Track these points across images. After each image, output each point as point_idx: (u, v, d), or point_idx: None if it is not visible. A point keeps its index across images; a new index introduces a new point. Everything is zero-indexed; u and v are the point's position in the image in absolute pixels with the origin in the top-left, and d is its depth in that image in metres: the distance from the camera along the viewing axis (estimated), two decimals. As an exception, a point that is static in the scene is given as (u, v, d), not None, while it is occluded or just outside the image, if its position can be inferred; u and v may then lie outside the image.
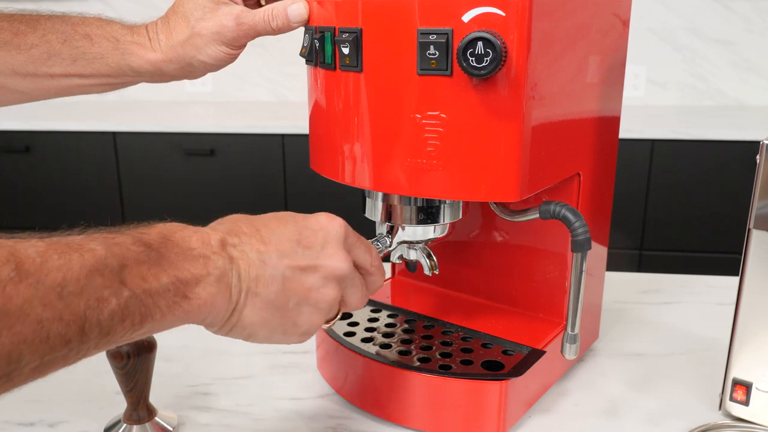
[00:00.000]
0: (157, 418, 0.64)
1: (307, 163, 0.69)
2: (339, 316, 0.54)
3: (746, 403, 0.64)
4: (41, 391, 0.70)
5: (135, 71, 0.67)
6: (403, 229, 0.65)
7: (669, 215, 2.19)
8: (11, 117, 2.43)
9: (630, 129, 2.08)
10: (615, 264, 2.02)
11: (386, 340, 0.70)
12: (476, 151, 0.54)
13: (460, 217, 0.66)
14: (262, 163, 2.34)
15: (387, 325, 0.74)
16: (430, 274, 0.69)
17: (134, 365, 0.59)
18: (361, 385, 0.67)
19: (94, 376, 0.73)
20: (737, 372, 0.64)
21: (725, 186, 2.12)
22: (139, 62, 0.66)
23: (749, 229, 0.61)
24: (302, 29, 0.64)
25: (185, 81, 2.99)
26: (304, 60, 0.64)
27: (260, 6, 0.67)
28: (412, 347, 0.69)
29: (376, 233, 0.67)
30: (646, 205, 2.19)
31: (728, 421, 0.65)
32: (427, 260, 0.68)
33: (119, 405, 0.65)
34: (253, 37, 0.65)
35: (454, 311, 0.76)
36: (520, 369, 0.64)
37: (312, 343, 0.80)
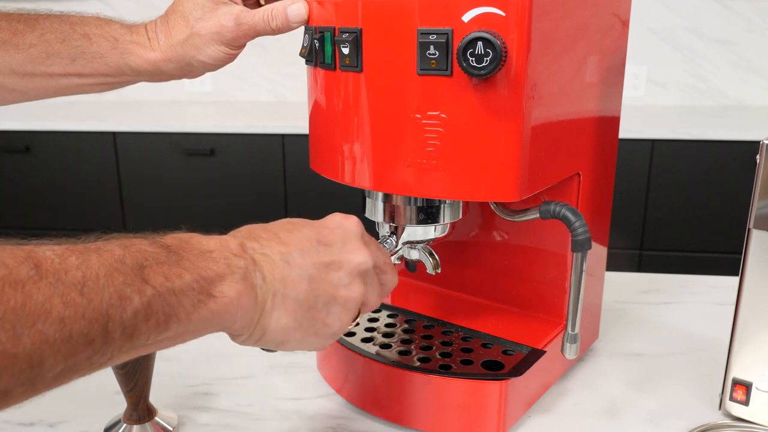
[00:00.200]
0: (157, 418, 0.64)
1: (307, 163, 0.69)
2: (360, 316, 0.53)
3: (746, 403, 0.64)
4: (41, 391, 0.70)
5: (134, 71, 0.67)
6: (403, 229, 0.65)
7: (669, 215, 2.19)
8: (11, 117, 2.43)
9: (630, 129, 2.08)
10: (615, 264, 2.02)
11: (386, 340, 0.70)
12: (476, 151, 0.54)
13: (460, 217, 0.66)
14: (262, 163, 2.34)
15: (387, 325, 0.74)
16: (433, 273, 0.69)
17: (134, 365, 0.59)
18: (361, 385, 0.67)
19: (94, 376, 0.73)
20: (737, 372, 0.64)
21: (725, 186, 2.12)
22: (138, 62, 0.66)
23: (749, 229, 0.61)
24: (302, 29, 0.64)
25: (185, 81, 2.99)
26: (303, 60, 0.64)
27: (260, 6, 0.67)
28: (412, 347, 0.69)
29: (379, 234, 0.67)
30: (646, 205, 2.19)
31: (728, 421, 0.65)
32: (430, 259, 0.68)
33: (119, 405, 0.65)
34: (253, 38, 0.65)
35: (454, 311, 0.76)
36: (520, 369, 0.64)
37: (312, 343, 0.80)
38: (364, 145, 0.58)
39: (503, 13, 0.50)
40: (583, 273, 0.59)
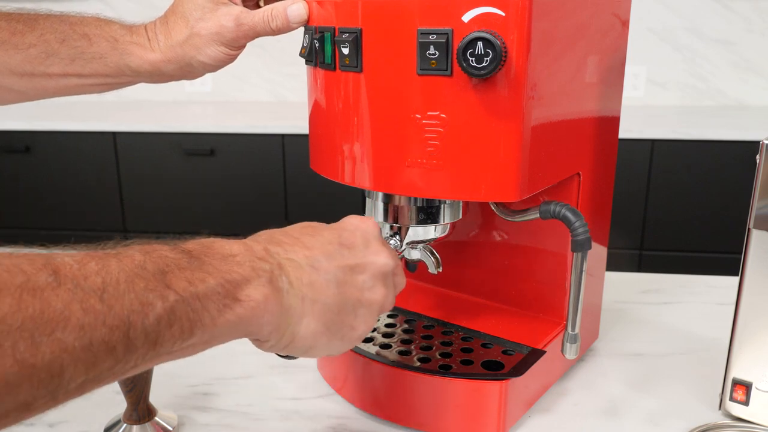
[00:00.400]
0: (157, 418, 0.64)
1: (307, 163, 0.69)
2: (378, 318, 0.53)
3: (746, 403, 0.64)
4: (41, 391, 0.70)
5: (134, 71, 0.67)
6: (407, 229, 0.65)
7: (669, 215, 2.19)
8: (11, 117, 2.43)
9: (630, 129, 2.08)
10: (615, 264, 2.02)
11: (386, 340, 0.70)
12: (476, 151, 0.54)
13: (460, 217, 0.66)
14: (262, 163, 2.34)
15: (387, 325, 0.74)
16: (435, 272, 0.69)
17: (134, 365, 0.59)
18: (361, 385, 0.67)
19: (94, 376, 0.73)
20: (737, 372, 0.64)
21: (725, 186, 2.12)
22: (137, 62, 0.66)
23: (749, 229, 0.61)
24: (302, 29, 0.64)
25: (185, 81, 3.00)
26: (303, 60, 0.64)
27: (259, 7, 0.67)
28: (412, 347, 0.69)
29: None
30: (646, 205, 2.19)
31: (728, 421, 0.65)
32: (431, 258, 0.68)
33: (119, 405, 0.65)
34: (253, 38, 0.65)
35: (454, 311, 0.76)
36: (520, 369, 0.64)
37: (312, 343, 0.80)
38: (364, 145, 0.58)
39: (503, 13, 0.50)
40: (583, 273, 0.59)
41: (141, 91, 2.85)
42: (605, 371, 0.76)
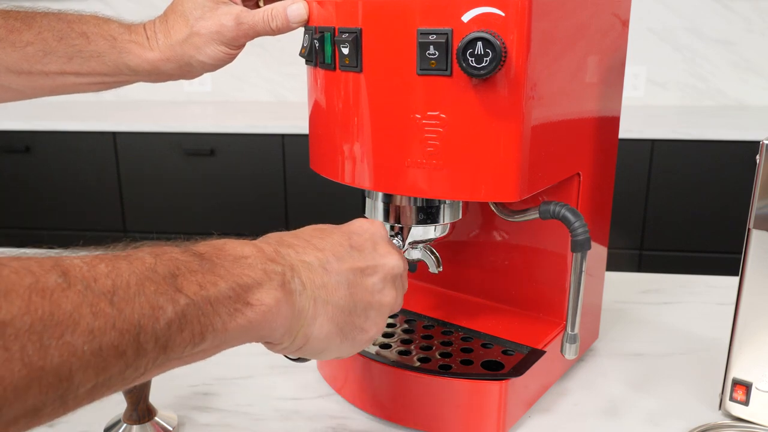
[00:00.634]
0: (157, 418, 0.64)
1: (307, 163, 0.69)
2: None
3: (746, 403, 0.64)
4: (41, 391, 0.70)
5: (132, 70, 0.66)
6: (409, 229, 0.65)
7: (669, 215, 2.19)
8: (11, 117, 2.43)
9: (630, 129, 2.08)
10: (615, 264, 2.02)
11: (386, 340, 0.70)
12: (476, 152, 0.54)
13: (460, 217, 0.66)
14: (262, 163, 2.34)
15: (387, 325, 0.74)
16: (436, 272, 0.69)
17: (134, 365, 0.59)
18: (361, 385, 0.67)
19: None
20: (737, 372, 0.64)
21: (725, 186, 2.12)
22: (136, 61, 0.65)
23: (749, 229, 0.61)
24: (302, 29, 0.64)
25: (184, 81, 2.99)
26: (303, 60, 0.64)
27: (259, 7, 0.67)
28: (412, 347, 0.69)
29: None
30: (646, 205, 2.19)
31: (728, 421, 0.65)
32: (432, 257, 0.68)
33: (119, 405, 0.65)
34: (253, 38, 0.65)
35: (454, 311, 0.76)
36: (520, 369, 0.64)
37: (312, 343, 0.80)
38: (364, 145, 0.58)
39: (503, 13, 0.50)
40: (583, 273, 0.59)
41: (141, 91, 2.86)
42: (605, 371, 0.76)
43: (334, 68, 0.58)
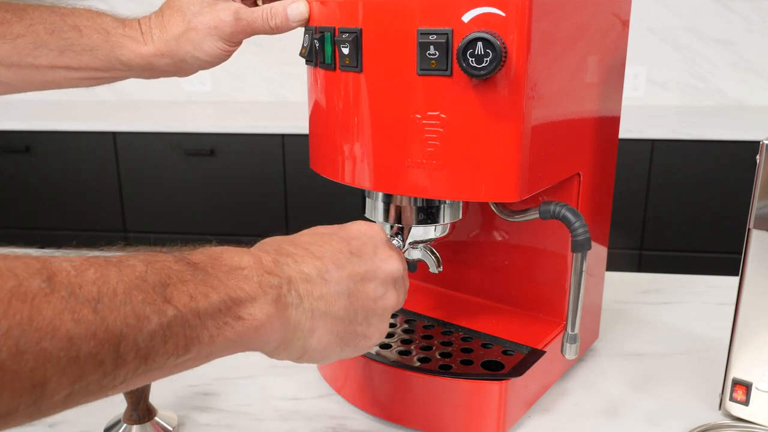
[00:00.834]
0: (157, 418, 0.64)
1: (307, 163, 0.69)
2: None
3: (746, 403, 0.64)
4: (41, 391, 0.70)
5: (125, 65, 0.65)
6: (410, 229, 0.65)
7: (669, 215, 2.19)
8: (11, 117, 2.43)
9: (630, 129, 2.08)
10: (615, 264, 2.02)
11: (386, 340, 0.70)
12: (476, 152, 0.54)
13: (460, 217, 0.66)
14: (262, 163, 2.34)
15: (387, 325, 0.74)
16: (436, 272, 0.69)
17: (134, 365, 0.59)
18: (361, 385, 0.67)
19: (94, 376, 0.73)
20: (737, 372, 0.64)
21: (725, 186, 2.12)
22: (129, 56, 0.64)
23: (749, 229, 0.61)
24: (302, 29, 0.64)
25: (184, 81, 2.99)
26: (303, 60, 0.63)
27: (257, 6, 0.66)
28: (412, 347, 0.69)
29: None
30: (646, 205, 2.19)
31: (728, 421, 0.65)
32: (432, 257, 0.68)
33: (119, 405, 0.65)
34: (250, 34, 0.64)
35: (454, 311, 0.76)
36: (520, 369, 0.64)
37: (312, 343, 0.80)
38: (364, 145, 0.58)
39: (503, 14, 0.50)
40: (583, 273, 0.59)
41: (141, 91, 2.86)
42: (605, 371, 0.76)
43: (334, 68, 0.58)
